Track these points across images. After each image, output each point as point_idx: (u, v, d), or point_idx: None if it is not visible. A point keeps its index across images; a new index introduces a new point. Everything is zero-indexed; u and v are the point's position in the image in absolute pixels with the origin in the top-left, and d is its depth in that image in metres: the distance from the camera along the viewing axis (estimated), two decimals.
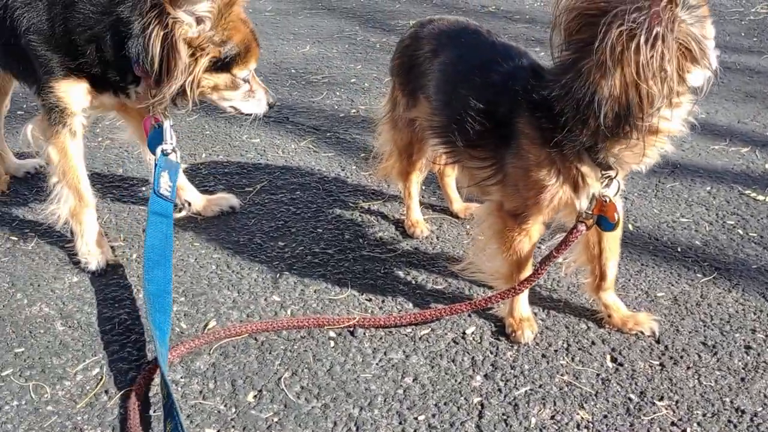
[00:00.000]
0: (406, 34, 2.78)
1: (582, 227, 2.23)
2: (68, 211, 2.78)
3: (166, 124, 2.71)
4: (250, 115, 2.85)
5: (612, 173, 2.11)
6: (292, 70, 4.99)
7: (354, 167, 3.59)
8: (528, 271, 2.39)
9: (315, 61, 5.19)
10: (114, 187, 3.38)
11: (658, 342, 2.36)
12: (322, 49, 5.45)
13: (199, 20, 2.46)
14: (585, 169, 2.10)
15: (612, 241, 2.37)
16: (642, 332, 2.39)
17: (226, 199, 3.20)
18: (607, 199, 2.16)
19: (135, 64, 2.52)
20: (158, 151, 2.69)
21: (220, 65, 2.59)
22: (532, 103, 2.10)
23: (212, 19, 2.47)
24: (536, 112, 2.09)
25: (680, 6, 1.81)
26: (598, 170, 2.10)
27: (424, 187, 3.31)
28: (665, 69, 1.81)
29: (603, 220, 2.22)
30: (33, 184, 3.37)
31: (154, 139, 2.71)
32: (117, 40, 2.49)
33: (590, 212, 2.21)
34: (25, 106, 4.17)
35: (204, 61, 2.53)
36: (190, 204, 3.15)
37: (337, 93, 4.58)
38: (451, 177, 3.13)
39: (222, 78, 2.66)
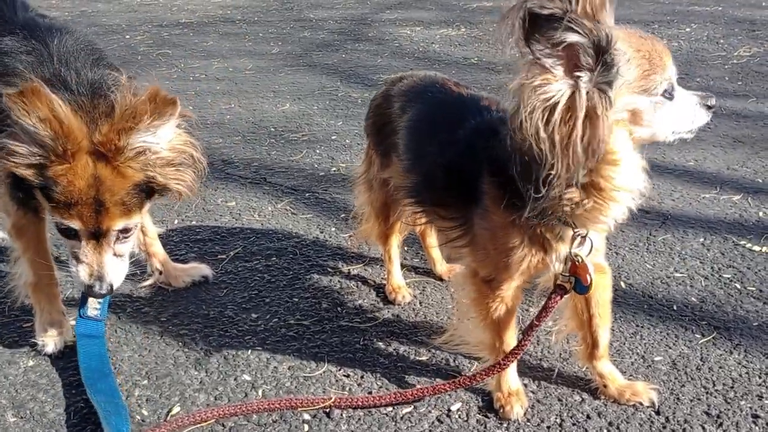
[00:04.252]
0: (378, 93, 2.68)
1: (560, 291, 2.09)
2: (29, 287, 2.62)
3: None
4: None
5: (583, 231, 1.97)
6: (272, 129, 4.89)
7: (333, 229, 3.45)
8: (512, 339, 2.24)
9: (295, 118, 5.09)
10: None
11: (658, 413, 2.19)
12: (303, 106, 5.36)
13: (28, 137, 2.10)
14: (544, 228, 1.97)
15: (602, 306, 2.21)
16: (640, 403, 2.21)
17: (198, 269, 3.03)
18: (579, 259, 2.02)
19: None
20: None
21: (45, 193, 2.18)
22: (493, 161, 1.98)
23: (45, 145, 2.10)
24: (496, 170, 1.97)
25: (587, 70, 1.72)
26: (567, 229, 1.96)
27: (406, 248, 3.17)
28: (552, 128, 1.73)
29: (577, 283, 2.06)
30: None
31: None
32: None
33: (566, 275, 2.06)
34: None
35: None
36: (161, 273, 2.99)
37: (318, 151, 4.46)
38: (433, 237, 2.99)
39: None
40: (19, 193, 2.32)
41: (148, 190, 2.27)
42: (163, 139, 2.20)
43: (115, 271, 2.29)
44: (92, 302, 2.50)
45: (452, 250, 2.31)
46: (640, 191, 1.92)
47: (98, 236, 2.23)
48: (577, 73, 1.73)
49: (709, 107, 1.95)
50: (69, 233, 2.24)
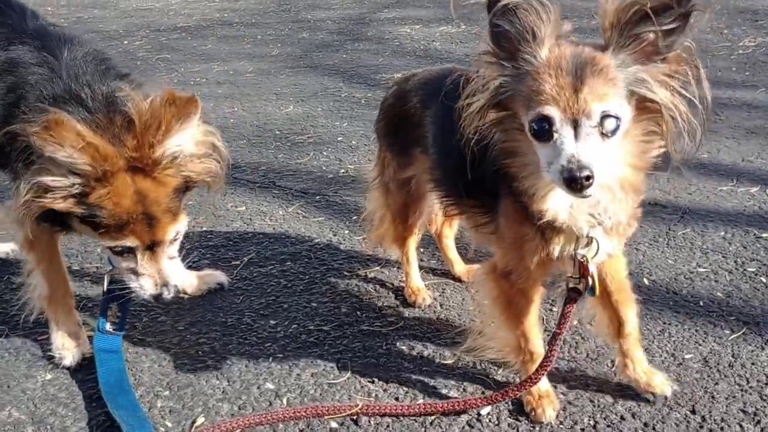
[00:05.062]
0: (389, 93, 2.63)
1: (574, 295, 2.07)
2: (44, 299, 2.57)
3: None
4: (133, 291, 2.35)
5: (590, 232, 1.93)
6: (277, 132, 4.83)
7: (347, 231, 3.40)
8: (537, 338, 2.21)
9: (299, 120, 5.04)
10: (94, 270, 3.16)
11: (693, 412, 2.14)
12: (307, 107, 5.31)
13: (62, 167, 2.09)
14: (543, 222, 1.92)
15: (617, 281, 2.18)
16: (653, 394, 2.18)
17: (213, 276, 2.98)
18: (585, 260, 1.98)
19: None
20: (105, 279, 2.52)
21: (88, 220, 2.19)
22: None
23: (84, 173, 2.09)
24: None
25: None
26: (568, 227, 1.92)
27: (422, 250, 3.11)
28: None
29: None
30: (4, 270, 3.15)
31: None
32: None
33: (576, 276, 2.04)
34: None
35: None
36: None
37: (324, 153, 4.41)
38: (450, 238, 2.95)
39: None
40: (44, 223, 2.30)
41: (185, 189, 2.30)
42: (190, 138, 2.21)
43: (175, 272, 2.33)
44: (110, 316, 2.47)
45: (480, 237, 2.30)
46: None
47: (153, 247, 2.24)
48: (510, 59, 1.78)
49: (567, 180, 1.64)
50: (124, 252, 2.25)
